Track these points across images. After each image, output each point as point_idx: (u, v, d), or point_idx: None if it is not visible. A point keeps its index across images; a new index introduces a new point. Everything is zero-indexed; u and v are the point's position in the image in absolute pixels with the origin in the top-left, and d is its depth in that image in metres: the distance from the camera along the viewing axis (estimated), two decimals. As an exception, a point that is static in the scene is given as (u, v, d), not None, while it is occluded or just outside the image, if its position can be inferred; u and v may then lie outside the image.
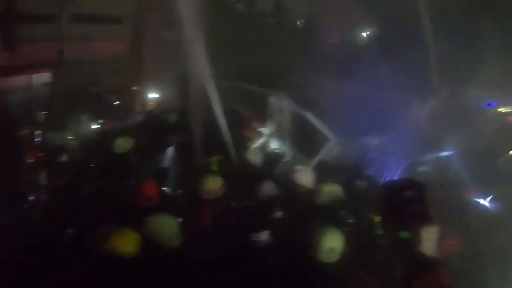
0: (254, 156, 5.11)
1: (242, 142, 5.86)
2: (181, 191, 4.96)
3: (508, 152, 15.67)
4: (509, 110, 21.00)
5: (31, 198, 4.65)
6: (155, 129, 6.45)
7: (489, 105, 22.58)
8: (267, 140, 6.14)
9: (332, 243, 3.16)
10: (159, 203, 4.02)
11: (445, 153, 8.94)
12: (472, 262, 3.82)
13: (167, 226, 3.36)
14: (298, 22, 15.75)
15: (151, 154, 5.38)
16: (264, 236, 3.38)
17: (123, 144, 5.23)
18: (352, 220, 3.90)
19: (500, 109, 23.42)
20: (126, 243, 3.03)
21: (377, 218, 3.97)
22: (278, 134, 6.22)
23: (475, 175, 9.03)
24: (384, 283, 3.14)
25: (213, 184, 4.16)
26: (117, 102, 8.62)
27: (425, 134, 8.10)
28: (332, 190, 4.17)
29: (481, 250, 4.40)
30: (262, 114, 6.64)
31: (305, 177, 4.36)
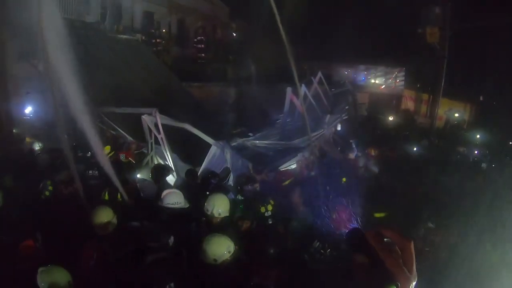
0: (139, 184, 5.09)
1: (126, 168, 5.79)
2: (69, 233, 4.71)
3: (386, 117, 17.79)
4: (380, 81, 23.77)
5: None
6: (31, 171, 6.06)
7: (363, 79, 25.50)
8: (150, 160, 6.15)
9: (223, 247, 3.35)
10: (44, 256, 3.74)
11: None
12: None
13: (58, 278, 3.08)
14: (164, 30, 15.68)
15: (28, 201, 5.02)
16: None
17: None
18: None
19: (372, 81, 26.43)
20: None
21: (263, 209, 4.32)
22: (159, 151, 6.25)
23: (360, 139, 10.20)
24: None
25: (104, 218, 3.97)
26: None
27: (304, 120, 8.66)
28: (221, 199, 4.24)
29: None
30: (139, 134, 6.57)
31: (176, 198, 4.41)
